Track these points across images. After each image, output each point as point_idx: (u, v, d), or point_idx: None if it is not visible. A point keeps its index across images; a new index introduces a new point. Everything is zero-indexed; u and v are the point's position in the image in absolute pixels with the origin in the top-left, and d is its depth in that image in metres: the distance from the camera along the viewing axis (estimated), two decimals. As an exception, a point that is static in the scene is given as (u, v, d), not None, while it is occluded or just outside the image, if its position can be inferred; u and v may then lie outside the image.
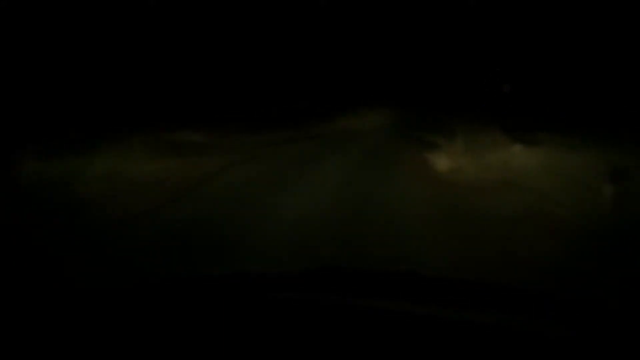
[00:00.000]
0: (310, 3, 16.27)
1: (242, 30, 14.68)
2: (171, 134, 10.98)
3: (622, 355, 1.07)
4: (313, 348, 1.08)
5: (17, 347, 1.09)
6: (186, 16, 13.55)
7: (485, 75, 11.45)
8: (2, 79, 9.58)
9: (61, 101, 10.00)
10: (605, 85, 10.48)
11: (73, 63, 10.93)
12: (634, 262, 3.77)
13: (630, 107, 9.41)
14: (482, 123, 9.48)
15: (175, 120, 11.81)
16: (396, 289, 1.38)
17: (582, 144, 8.01)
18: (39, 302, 1.37)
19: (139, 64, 12.28)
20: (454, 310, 1.21)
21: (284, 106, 14.83)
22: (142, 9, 12.46)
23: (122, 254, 4.21)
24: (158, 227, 5.00)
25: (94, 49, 11.31)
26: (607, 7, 10.88)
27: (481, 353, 1.06)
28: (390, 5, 16.76)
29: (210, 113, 12.79)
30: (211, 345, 1.09)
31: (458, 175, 7.21)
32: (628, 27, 10.38)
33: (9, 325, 1.19)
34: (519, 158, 7.67)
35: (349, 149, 10.47)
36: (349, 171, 8.02)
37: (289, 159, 9.48)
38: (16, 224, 5.04)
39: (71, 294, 1.47)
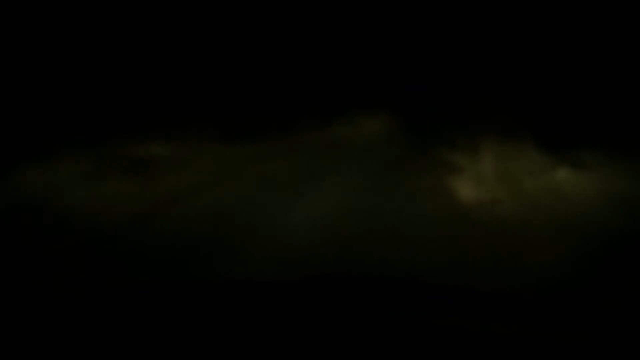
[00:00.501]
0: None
1: (222, 24, 12.88)
2: (130, 146, 9.05)
3: None
4: (312, 356, 1.08)
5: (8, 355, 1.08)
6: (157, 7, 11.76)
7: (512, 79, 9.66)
8: None
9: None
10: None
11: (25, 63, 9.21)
12: None
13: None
14: (511, 136, 7.67)
15: (136, 129, 9.94)
16: (396, 297, 1.35)
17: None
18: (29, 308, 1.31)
19: (97, 64, 10.43)
20: (454, 318, 1.20)
21: (270, 112, 13.01)
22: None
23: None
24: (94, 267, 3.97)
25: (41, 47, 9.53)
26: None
27: None
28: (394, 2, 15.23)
29: (181, 120, 10.91)
30: (208, 354, 1.09)
31: (494, 212, 5.36)
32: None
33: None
34: (570, 187, 5.87)
35: (346, 167, 8.61)
36: (347, 200, 6.30)
37: (274, 178, 7.68)
38: None
39: (64, 299, 1.45)
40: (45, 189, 6.42)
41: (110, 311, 1.29)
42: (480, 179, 6.78)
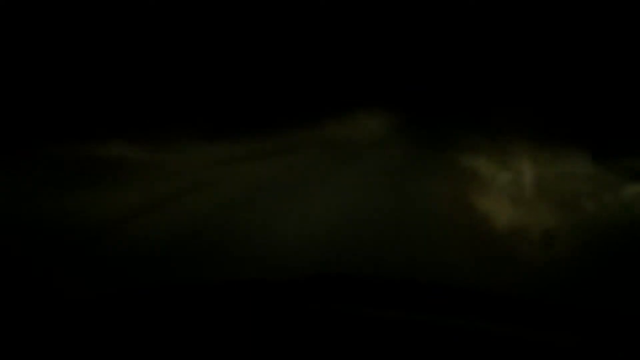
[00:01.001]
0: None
1: (211, 19, 11.55)
2: (96, 148, 7.73)
3: None
4: (312, 356, 1.07)
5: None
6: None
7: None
8: None
9: None
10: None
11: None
12: None
13: None
14: (548, 138, 6.04)
15: (104, 128, 8.46)
16: (396, 297, 1.36)
17: None
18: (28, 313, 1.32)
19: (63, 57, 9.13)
20: (454, 318, 1.19)
21: (256, 107, 11.67)
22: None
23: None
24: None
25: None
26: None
27: None
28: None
29: (156, 118, 9.56)
30: (208, 353, 1.09)
31: (559, 259, 3.65)
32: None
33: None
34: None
35: (341, 174, 7.15)
36: (345, 221, 4.74)
37: (260, 183, 6.46)
38: None
39: (63, 302, 1.42)
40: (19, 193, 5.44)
41: (111, 311, 1.27)
42: (518, 196, 5.11)
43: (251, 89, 11.45)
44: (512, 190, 5.35)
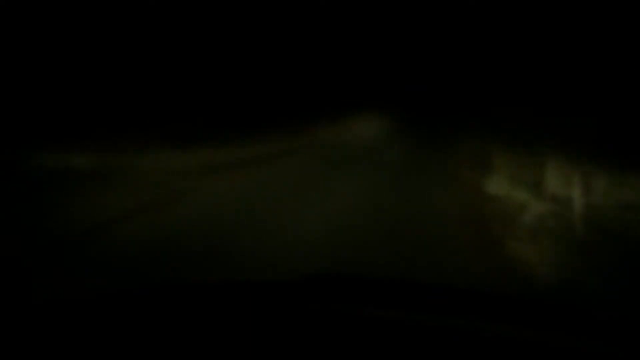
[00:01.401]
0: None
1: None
2: (71, 156, 6.68)
3: None
4: (312, 356, 1.09)
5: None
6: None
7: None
8: None
9: None
10: None
11: None
12: None
13: None
14: (606, 158, 4.59)
15: (79, 134, 7.53)
16: (396, 297, 1.36)
17: None
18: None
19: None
20: (454, 318, 1.20)
21: (239, 109, 10.75)
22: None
23: None
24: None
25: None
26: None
27: None
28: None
29: (126, 119, 8.40)
30: (208, 354, 1.10)
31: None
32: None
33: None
34: None
35: (337, 181, 5.89)
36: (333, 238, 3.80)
37: (241, 195, 5.57)
38: None
39: (62, 302, 1.36)
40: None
41: (111, 311, 1.25)
42: (558, 234, 3.55)
43: (248, 90, 10.48)
44: (551, 226, 3.82)
